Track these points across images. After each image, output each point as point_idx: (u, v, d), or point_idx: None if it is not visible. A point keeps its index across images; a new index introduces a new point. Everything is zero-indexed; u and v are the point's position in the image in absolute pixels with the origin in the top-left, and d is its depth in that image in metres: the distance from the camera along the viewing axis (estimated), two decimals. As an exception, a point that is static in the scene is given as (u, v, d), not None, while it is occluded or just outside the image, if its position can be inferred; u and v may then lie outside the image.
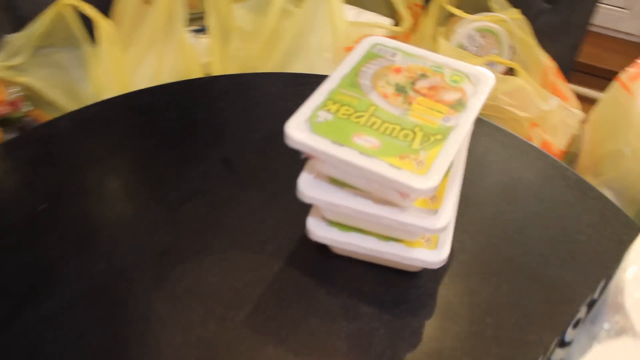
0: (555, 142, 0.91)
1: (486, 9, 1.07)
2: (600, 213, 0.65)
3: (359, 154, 0.46)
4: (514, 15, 1.03)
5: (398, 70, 0.55)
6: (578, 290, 0.57)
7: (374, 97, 0.52)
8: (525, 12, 1.06)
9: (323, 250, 0.58)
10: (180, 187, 0.66)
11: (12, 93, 0.93)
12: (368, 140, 0.48)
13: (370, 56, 0.57)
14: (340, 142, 0.47)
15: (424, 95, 0.52)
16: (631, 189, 0.79)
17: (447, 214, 0.50)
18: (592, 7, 1.05)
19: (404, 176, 0.45)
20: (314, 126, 0.49)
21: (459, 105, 0.51)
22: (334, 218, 0.55)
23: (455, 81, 0.54)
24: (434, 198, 0.52)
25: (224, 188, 0.66)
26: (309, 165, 0.54)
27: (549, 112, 0.90)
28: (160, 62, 0.95)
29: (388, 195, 0.49)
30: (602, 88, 1.90)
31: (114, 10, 0.99)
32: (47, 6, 1.08)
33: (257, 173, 0.68)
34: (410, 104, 0.51)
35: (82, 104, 0.96)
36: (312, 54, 0.90)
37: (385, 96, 0.52)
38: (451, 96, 0.52)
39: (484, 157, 0.71)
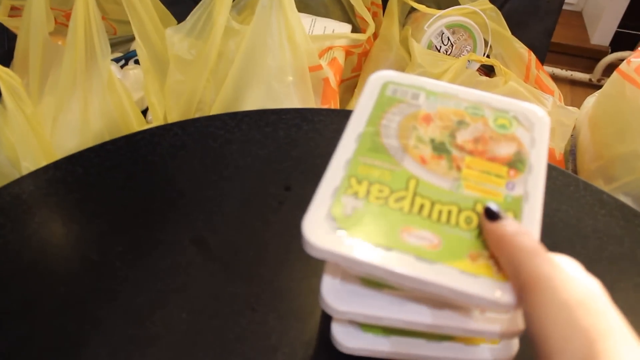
0: (556, 146, 0.81)
1: (452, 1, 0.95)
2: (656, 243, 0.55)
3: (416, 261, 0.33)
4: (484, 5, 0.92)
5: (428, 120, 0.41)
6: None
7: (410, 165, 0.38)
8: (492, 0, 0.95)
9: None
10: (146, 288, 0.50)
11: None
12: (422, 237, 0.34)
13: (387, 102, 0.43)
14: (385, 245, 0.33)
15: (471, 152, 0.39)
16: (657, 195, 0.70)
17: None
18: (564, -13, 0.96)
19: (485, 288, 0.32)
20: (342, 222, 0.34)
21: (518, 162, 0.38)
22: (366, 322, 0.42)
23: (502, 126, 0.41)
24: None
25: (204, 282, 0.51)
26: (330, 265, 0.40)
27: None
28: (85, 107, 0.77)
29: (454, 302, 0.37)
30: (550, 61, 1.86)
31: (16, 55, 0.81)
32: None
33: (241, 254, 0.53)
34: (459, 169, 0.38)
35: (-7, 173, 0.78)
36: (270, 78, 0.75)
37: (423, 161, 0.38)
38: (505, 150, 0.39)
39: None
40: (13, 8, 0.88)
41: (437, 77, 0.82)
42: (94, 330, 0.47)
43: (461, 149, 0.39)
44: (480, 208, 0.35)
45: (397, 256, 0.33)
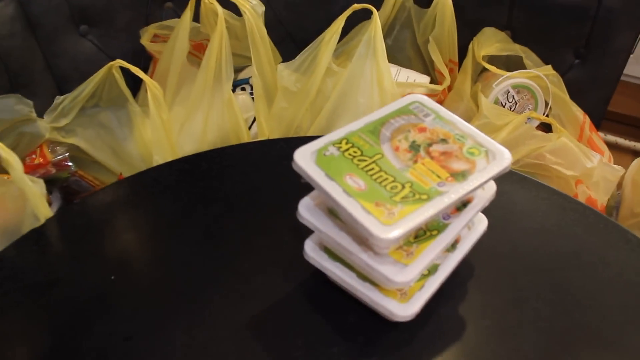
0: (598, 198, 0.93)
1: (519, 65, 1.10)
2: (668, 277, 0.66)
3: (342, 192, 0.50)
4: (547, 71, 1.06)
5: (422, 130, 0.57)
6: (661, 359, 0.58)
7: (386, 148, 0.55)
8: (556, 68, 1.09)
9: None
10: (251, 259, 0.66)
11: (58, 154, 0.93)
12: (357, 182, 0.51)
13: (404, 111, 0.59)
14: (332, 177, 0.51)
15: (432, 158, 0.54)
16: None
17: (412, 272, 0.51)
18: (622, 62, 1.08)
19: (369, 221, 0.48)
20: (319, 158, 0.53)
21: (460, 176, 0.53)
22: (327, 245, 0.58)
23: (471, 153, 0.55)
24: (411, 254, 0.53)
25: (298, 259, 0.65)
26: (315, 193, 0.57)
27: (592, 169, 0.91)
28: (206, 121, 0.95)
29: (363, 236, 0.51)
30: (618, 132, 1.95)
31: (157, 72, 1.00)
32: (81, 62, 1.09)
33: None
34: (415, 162, 0.54)
35: (127, 163, 0.97)
36: (358, 114, 0.91)
37: (396, 149, 0.55)
38: (459, 166, 0.54)
39: (546, 222, 0.72)
40: (155, 35, 1.09)
41: (499, 128, 0.96)
42: (211, 284, 0.63)
43: (428, 153, 0.55)
44: (409, 186, 0.51)
45: (332, 184, 0.51)
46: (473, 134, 0.57)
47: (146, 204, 0.73)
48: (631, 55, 1.97)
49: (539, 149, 0.92)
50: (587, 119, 1.07)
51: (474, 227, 0.62)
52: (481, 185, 0.53)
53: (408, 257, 0.53)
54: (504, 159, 0.55)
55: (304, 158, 0.53)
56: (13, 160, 0.65)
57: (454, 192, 0.51)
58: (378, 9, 1.04)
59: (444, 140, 0.56)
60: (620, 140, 1.96)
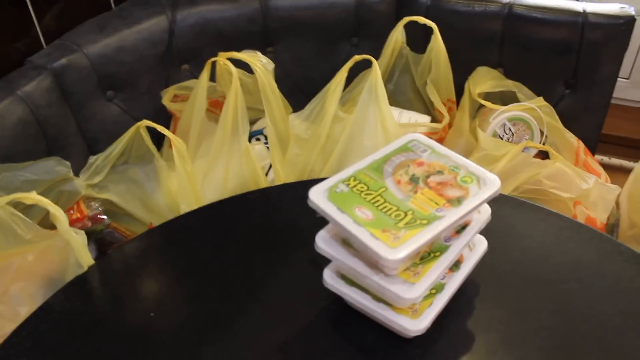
0: (597, 216, 0.99)
1: (513, 99, 1.18)
2: (660, 283, 0.72)
3: (352, 222, 0.57)
4: (540, 103, 1.13)
5: (420, 164, 0.65)
6: (657, 358, 0.63)
7: (389, 182, 0.62)
8: (548, 99, 1.17)
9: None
10: (276, 290, 0.73)
11: (93, 209, 1.02)
12: (365, 213, 0.58)
13: (404, 149, 0.67)
14: (343, 210, 0.58)
15: (431, 188, 0.62)
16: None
17: (420, 289, 0.58)
18: (610, 89, 1.16)
19: (377, 245, 0.55)
20: (331, 194, 0.60)
21: (456, 201, 0.60)
22: (343, 272, 0.65)
23: (464, 181, 0.63)
24: (417, 274, 0.60)
25: (318, 287, 0.70)
26: (329, 225, 0.64)
27: (588, 190, 0.98)
28: (226, 170, 1.04)
29: (374, 260, 0.58)
30: (619, 154, 2.00)
31: (179, 128, 1.10)
32: (108, 124, 1.19)
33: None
34: (415, 192, 0.61)
35: (156, 214, 1.05)
36: (365, 155, 0.98)
37: (398, 182, 0.62)
38: (454, 193, 0.61)
39: (544, 240, 0.78)
40: (175, 96, 1.19)
41: (498, 159, 1.03)
42: (240, 313, 0.70)
43: (427, 184, 0.62)
44: (411, 214, 0.58)
45: (343, 216, 0.58)
46: (465, 164, 0.65)
47: (177, 247, 0.81)
48: (627, 81, 2.06)
49: (536, 175, 0.99)
50: (582, 144, 1.13)
51: (475, 248, 0.69)
52: (475, 208, 0.60)
53: (415, 276, 0.59)
54: (493, 184, 0.62)
55: (318, 195, 0.61)
56: (60, 215, 0.73)
57: (451, 216, 0.58)
58: (377, 58, 1.14)
59: (439, 172, 0.63)
60: (625, 163, 2.01)
